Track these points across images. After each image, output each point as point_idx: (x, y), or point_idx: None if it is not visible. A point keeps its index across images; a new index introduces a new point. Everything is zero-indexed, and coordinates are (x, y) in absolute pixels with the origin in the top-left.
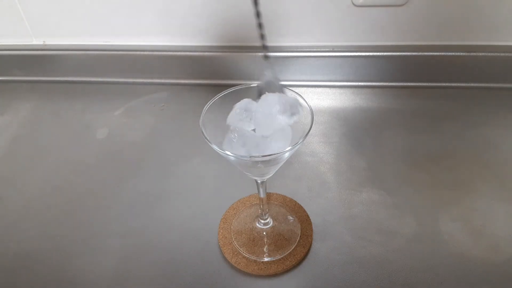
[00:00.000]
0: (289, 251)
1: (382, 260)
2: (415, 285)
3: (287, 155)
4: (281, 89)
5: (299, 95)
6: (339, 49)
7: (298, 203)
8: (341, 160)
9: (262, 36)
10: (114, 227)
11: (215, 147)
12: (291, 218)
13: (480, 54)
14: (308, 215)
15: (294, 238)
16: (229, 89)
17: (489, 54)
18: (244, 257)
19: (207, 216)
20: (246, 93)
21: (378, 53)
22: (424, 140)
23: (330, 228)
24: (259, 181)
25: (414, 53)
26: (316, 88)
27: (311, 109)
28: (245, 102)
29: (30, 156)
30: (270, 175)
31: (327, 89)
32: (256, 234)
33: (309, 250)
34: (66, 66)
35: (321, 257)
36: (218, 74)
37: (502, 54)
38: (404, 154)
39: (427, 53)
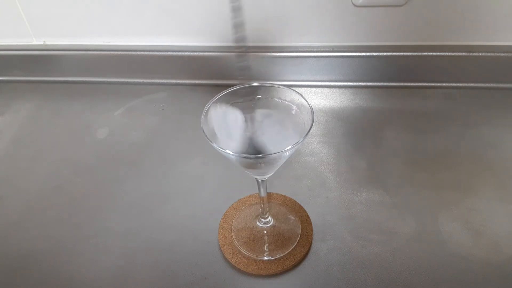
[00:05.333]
0: (289, 251)
1: (382, 260)
2: (415, 285)
3: (287, 154)
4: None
5: (300, 94)
6: (339, 49)
7: (298, 203)
8: (341, 160)
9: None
10: (114, 227)
11: (215, 146)
12: (291, 217)
13: (480, 54)
14: (308, 215)
15: (294, 237)
16: (229, 88)
17: (489, 54)
18: (244, 256)
19: (207, 216)
20: (246, 93)
21: (378, 53)
22: (424, 140)
23: (330, 228)
24: (259, 180)
25: (414, 53)
26: (316, 88)
27: (311, 109)
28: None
29: (30, 156)
30: (271, 174)
31: (327, 89)
32: (256, 233)
33: (309, 250)
34: (66, 66)
35: (321, 257)
36: (218, 74)
37: (502, 54)
38: (404, 154)
39: (427, 53)
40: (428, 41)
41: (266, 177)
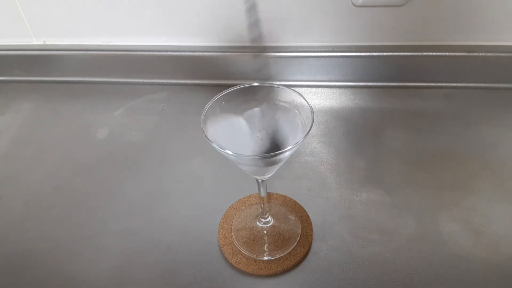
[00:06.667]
0: (289, 251)
1: (382, 260)
2: (415, 285)
3: (287, 154)
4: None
5: (300, 94)
6: (339, 49)
7: (298, 203)
8: (341, 160)
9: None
10: (114, 227)
11: (215, 146)
12: (291, 217)
13: (480, 54)
14: (308, 215)
15: (294, 237)
16: (229, 89)
17: (489, 54)
18: (244, 256)
19: (207, 216)
20: (246, 92)
21: (378, 53)
22: (424, 140)
23: (330, 228)
24: (259, 180)
25: (414, 53)
26: (316, 88)
27: (311, 108)
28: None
29: (30, 156)
30: (271, 174)
31: (327, 89)
32: (256, 233)
33: (309, 250)
34: (66, 66)
35: (321, 257)
36: (218, 74)
37: (502, 54)
38: (404, 154)
39: (427, 53)
40: (428, 41)
41: (266, 177)
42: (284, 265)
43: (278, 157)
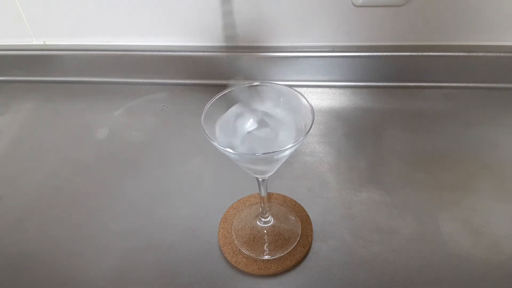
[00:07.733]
0: (289, 251)
1: (382, 260)
2: (415, 285)
3: (287, 152)
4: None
5: (301, 94)
6: (339, 49)
7: (298, 203)
8: (341, 160)
9: None
10: (114, 227)
11: (216, 144)
12: (291, 217)
13: (480, 54)
14: (308, 215)
15: (295, 237)
16: (229, 88)
17: (489, 54)
18: (244, 256)
19: (207, 216)
20: (247, 92)
21: (378, 53)
22: (424, 140)
23: (330, 228)
24: (260, 180)
25: (414, 53)
26: (316, 88)
27: (312, 108)
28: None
29: (30, 156)
30: (271, 173)
31: (327, 89)
32: (256, 232)
33: (309, 250)
34: (66, 66)
35: (321, 257)
36: (218, 74)
37: (502, 54)
38: (404, 154)
39: (427, 53)
40: (428, 41)
41: (266, 176)
42: (284, 265)
43: (277, 156)
